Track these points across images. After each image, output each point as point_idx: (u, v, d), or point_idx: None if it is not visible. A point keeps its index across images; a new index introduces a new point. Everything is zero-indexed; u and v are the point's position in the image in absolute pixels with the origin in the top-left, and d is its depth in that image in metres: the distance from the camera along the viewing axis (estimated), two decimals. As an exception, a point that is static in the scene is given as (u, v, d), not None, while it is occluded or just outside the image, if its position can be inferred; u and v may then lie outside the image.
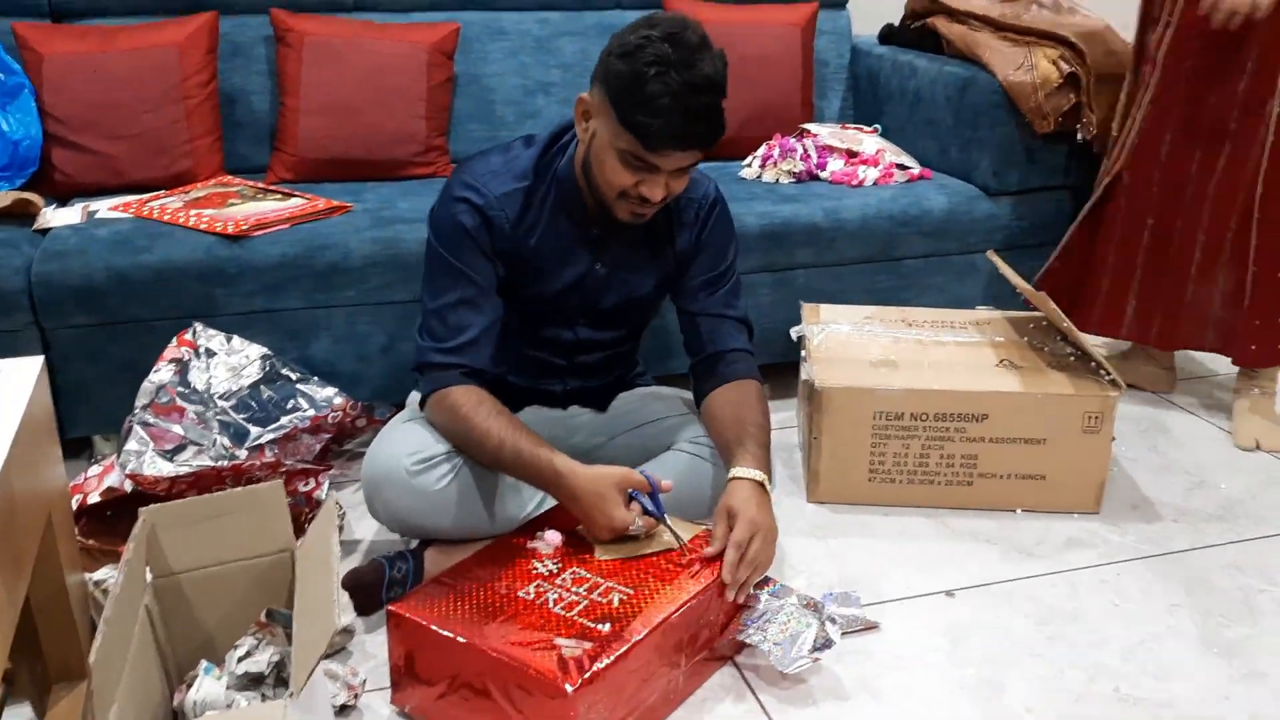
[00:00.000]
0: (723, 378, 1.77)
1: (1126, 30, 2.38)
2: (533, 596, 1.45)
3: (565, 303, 1.75)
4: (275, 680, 1.37)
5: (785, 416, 2.35)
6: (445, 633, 1.36)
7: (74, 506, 1.66)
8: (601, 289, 1.76)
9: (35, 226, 2.08)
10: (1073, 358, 2.04)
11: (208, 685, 1.33)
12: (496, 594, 1.45)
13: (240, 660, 1.36)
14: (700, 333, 1.80)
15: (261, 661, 1.36)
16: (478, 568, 1.52)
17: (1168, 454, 2.22)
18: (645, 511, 1.56)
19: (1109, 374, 1.94)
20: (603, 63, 1.54)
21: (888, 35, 2.90)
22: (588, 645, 1.33)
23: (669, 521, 1.57)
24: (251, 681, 1.35)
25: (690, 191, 1.75)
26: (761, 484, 1.61)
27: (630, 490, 1.56)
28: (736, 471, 1.62)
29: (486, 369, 1.67)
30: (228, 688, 1.34)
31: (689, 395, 1.89)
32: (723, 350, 1.78)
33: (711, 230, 1.78)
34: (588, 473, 1.56)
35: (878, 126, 2.75)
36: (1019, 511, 1.98)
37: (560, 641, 1.34)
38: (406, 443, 1.66)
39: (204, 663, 1.37)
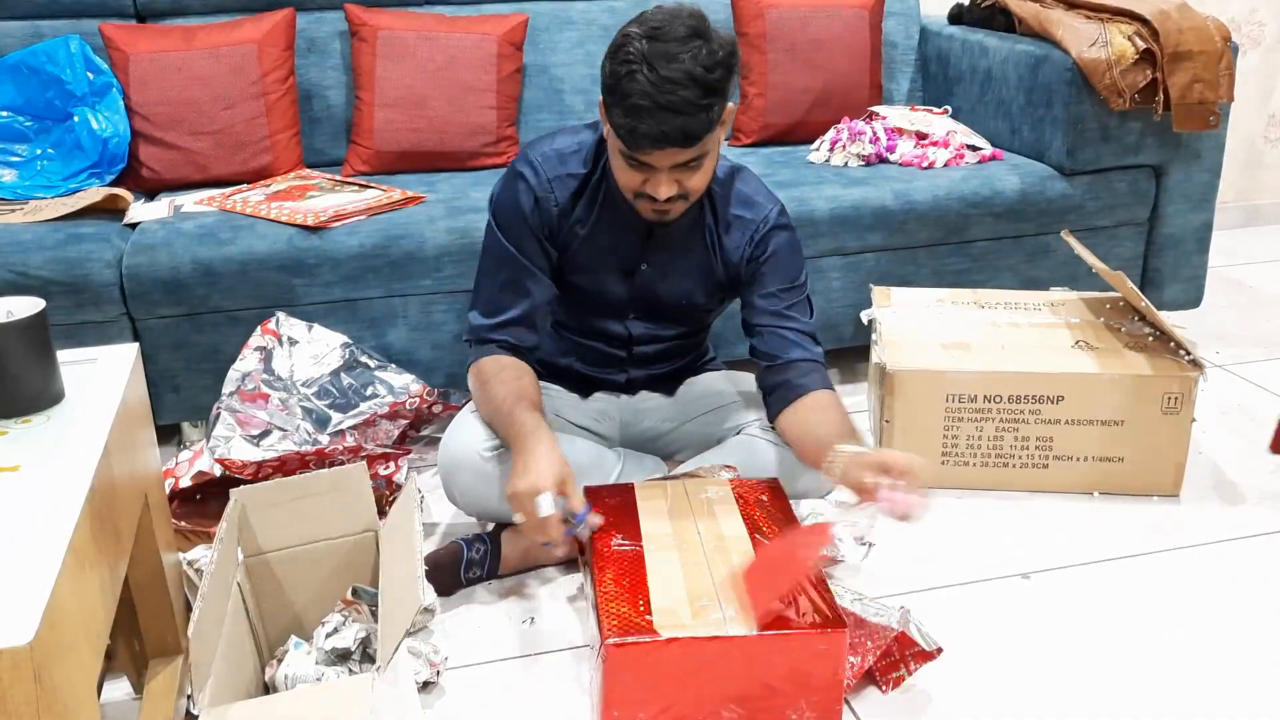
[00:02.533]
0: (797, 390, 1.69)
1: (1201, 5, 2.32)
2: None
3: (613, 296, 1.77)
4: (361, 656, 1.41)
5: (856, 400, 2.35)
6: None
7: (166, 490, 1.72)
8: (649, 289, 1.76)
9: (125, 221, 2.15)
10: (1151, 338, 2.01)
11: (297, 660, 1.37)
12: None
13: (328, 636, 1.40)
14: (769, 342, 1.73)
15: (348, 638, 1.40)
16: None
17: (1251, 435, 2.17)
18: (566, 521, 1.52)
19: (1189, 354, 1.91)
20: (601, 64, 1.55)
21: (957, 15, 2.86)
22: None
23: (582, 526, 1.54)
24: (339, 657, 1.39)
25: (746, 209, 1.72)
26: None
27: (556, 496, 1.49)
28: (843, 447, 1.51)
29: (527, 346, 1.71)
30: (316, 663, 1.38)
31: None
32: (792, 360, 1.71)
33: (771, 255, 1.72)
34: (534, 461, 1.50)
35: (948, 108, 2.73)
36: (1096, 495, 1.96)
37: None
38: (480, 429, 1.69)
39: (293, 638, 1.41)
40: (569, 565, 1.75)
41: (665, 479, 1.73)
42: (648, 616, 1.33)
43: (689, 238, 1.73)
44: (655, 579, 1.42)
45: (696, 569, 1.44)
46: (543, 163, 1.68)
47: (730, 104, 1.54)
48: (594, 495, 1.60)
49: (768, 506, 1.60)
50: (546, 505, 1.48)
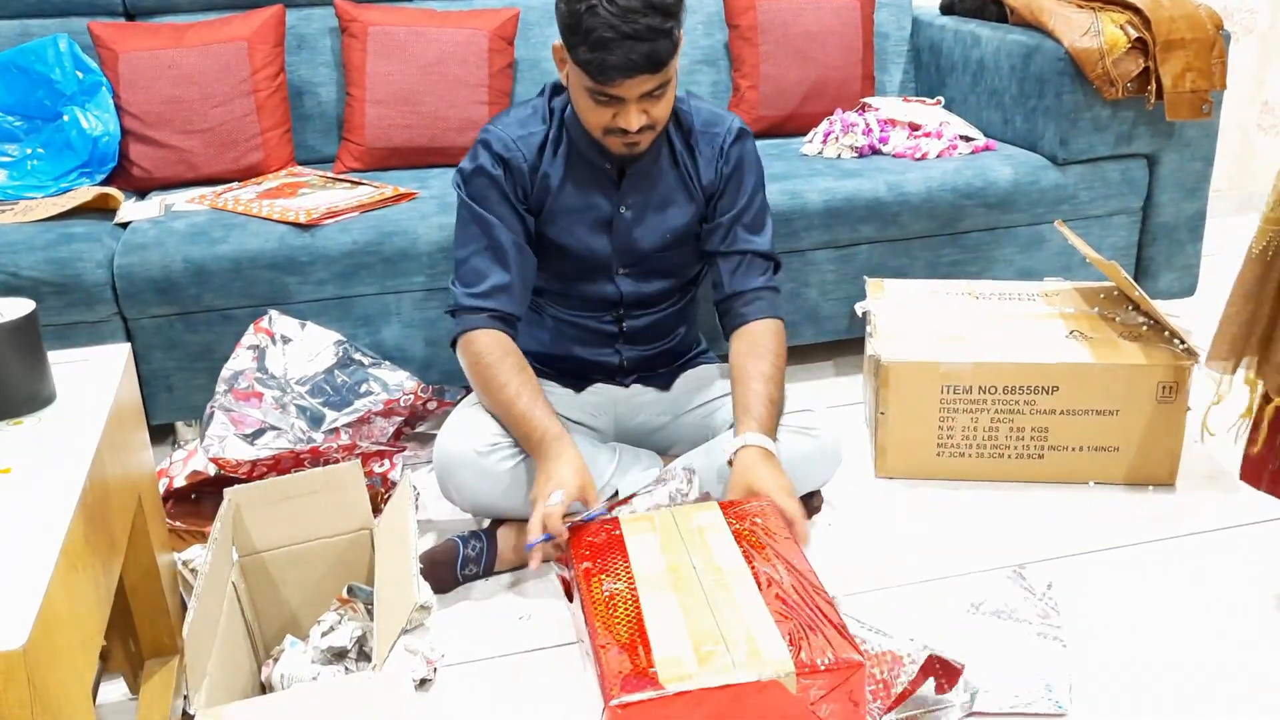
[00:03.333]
0: (741, 318, 1.78)
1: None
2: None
3: (598, 249, 1.77)
4: (358, 654, 1.40)
5: (851, 393, 2.35)
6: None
7: (160, 490, 1.72)
8: (631, 232, 1.77)
9: (116, 220, 2.14)
10: (1145, 327, 2.01)
11: (293, 659, 1.37)
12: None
13: (324, 635, 1.40)
14: (722, 273, 1.80)
15: (344, 636, 1.40)
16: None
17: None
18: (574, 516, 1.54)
19: (1183, 343, 1.91)
20: (555, 7, 1.57)
21: (949, 6, 2.86)
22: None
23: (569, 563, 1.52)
24: (335, 656, 1.39)
25: (710, 124, 1.77)
26: (764, 449, 1.62)
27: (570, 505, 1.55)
28: (740, 440, 1.63)
29: (514, 314, 1.72)
30: (312, 661, 1.38)
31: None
32: (741, 290, 1.78)
33: (735, 162, 1.78)
34: (554, 464, 1.57)
35: (940, 98, 2.72)
36: (1092, 484, 1.96)
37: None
38: (476, 425, 1.69)
39: (289, 637, 1.41)
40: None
41: (650, 510, 1.63)
42: (651, 670, 1.23)
43: (660, 170, 1.76)
44: (654, 623, 1.32)
45: (697, 608, 1.34)
46: (503, 130, 1.71)
47: (680, 30, 1.58)
48: (579, 532, 1.53)
49: (762, 529, 1.50)
50: (556, 497, 1.51)
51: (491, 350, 1.67)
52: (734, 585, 1.38)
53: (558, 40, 1.61)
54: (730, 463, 1.63)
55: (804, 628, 1.29)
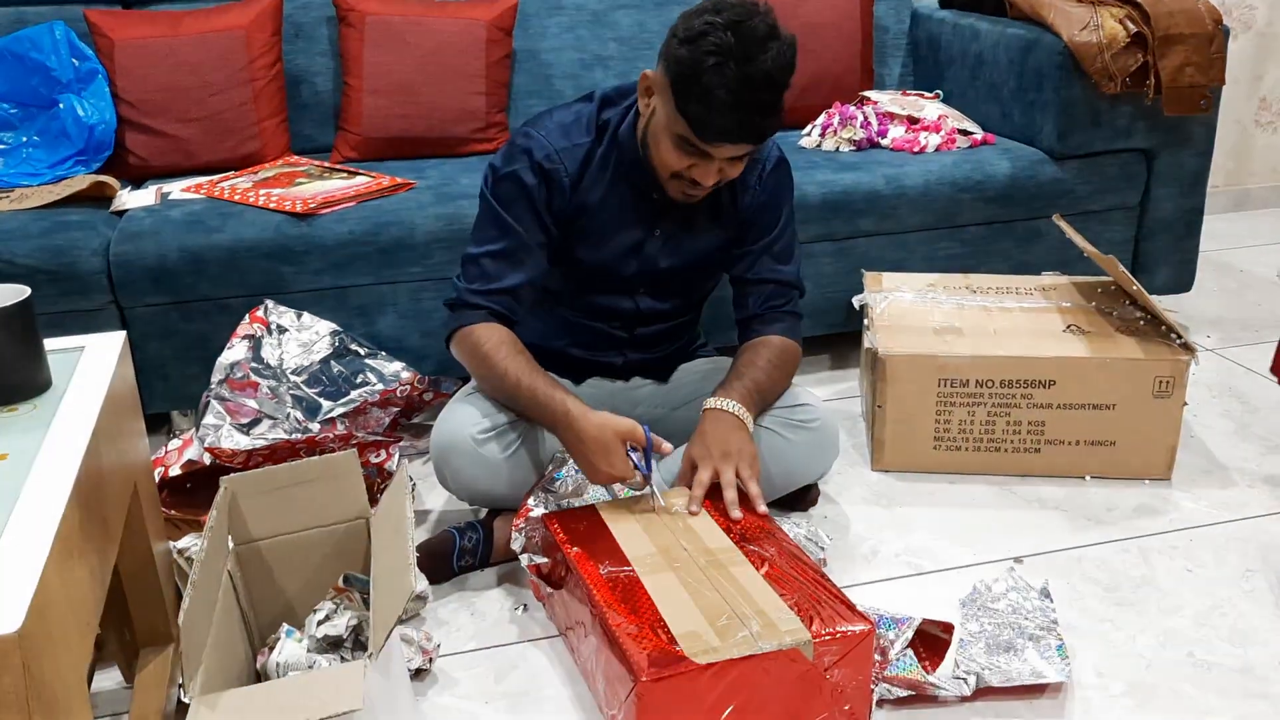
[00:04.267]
0: (756, 334, 1.78)
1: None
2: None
3: (625, 267, 1.75)
4: (353, 643, 1.40)
5: (849, 386, 2.35)
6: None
7: (155, 479, 1.71)
8: (660, 256, 1.76)
9: (112, 209, 2.14)
10: (1142, 322, 2.01)
11: (289, 648, 1.37)
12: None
13: (320, 624, 1.39)
14: (747, 297, 1.81)
15: (340, 625, 1.39)
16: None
17: (1241, 419, 2.18)
18: (635, 467, 1.56)
19: (1180, 338, 1.91)
20: (667, 43, 1.53)
21: (948, -1, 2.86)
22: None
23: (655, 481, 1.57)
24: (330, 644, 1.39)
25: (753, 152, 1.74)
26: (733, 415, 1.63)
27: (628, 444, 1.56)
28: (709, 402, 1.66)
29: (514, 317, 1.70)
30: (308, 650, 1.37)
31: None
32: (762, 313, 1.79)
33: (772, 191, 1.77)
34: (596, 419, 1.56)
35: (939, 92, 2.72)
36: (1088, 478, 1.96)
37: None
38: (472, 413, 1.68)
39: (285, 626, 1.41)
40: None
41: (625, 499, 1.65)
42: (676, 646, 1.26)
43: (703, 201, 1.72)
44: (664, 603, 1.35)
45: (700, 586, 1.38)
46: (546, 137, 1.66)
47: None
48: (557, 520, 1.55)
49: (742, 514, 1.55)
50: (642, 430, 1.57)
51: (489, 338, 1.65)
52: (729, 565, 1.43)
53: (651, 70, 1.58)
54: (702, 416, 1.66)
55: (808, 600, 1.34)
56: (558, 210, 1.68)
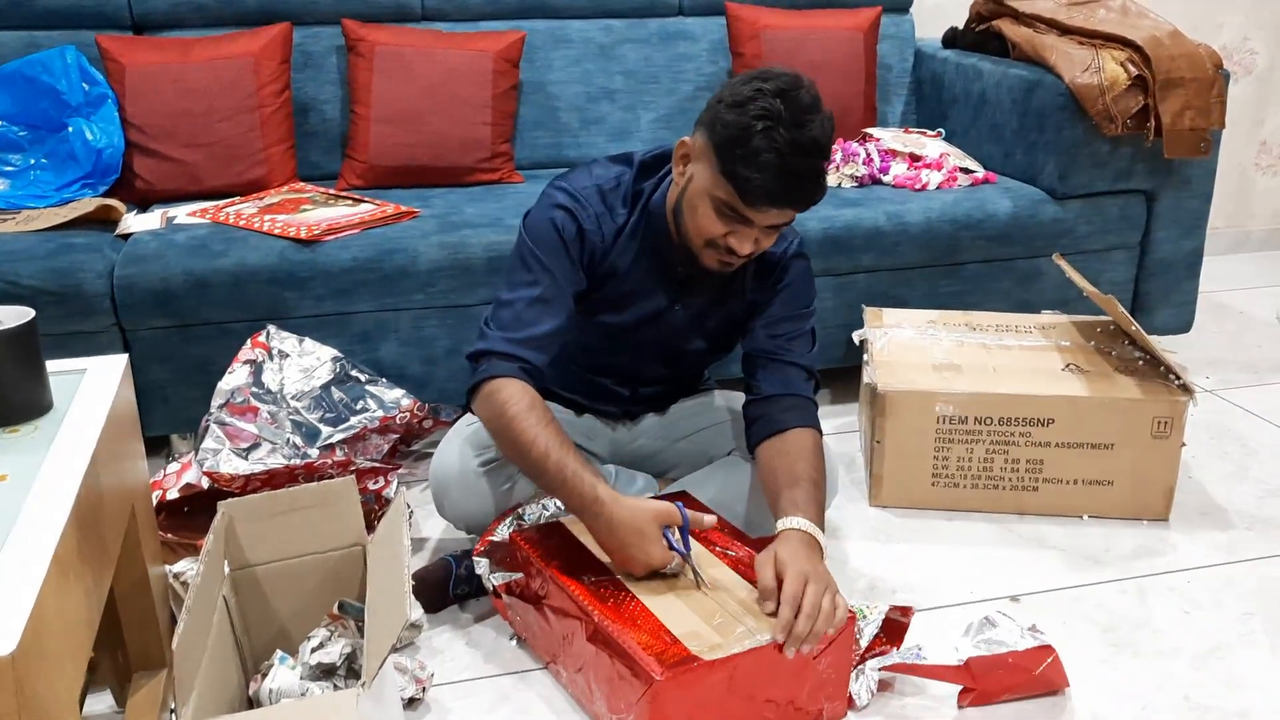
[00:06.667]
0: (777, 424, 1.65)
1: (1193, 32, 2.34)
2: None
3: (641, 336, 1.74)
4: (347, 671, 1.40)
5: (847, 421, 2.35)
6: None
7: (153, 502, 1.71)
8: (677, 329, 1.74)
9: (117, 232, 2.15)
10: (1141, 362, 2.01)
11: (282, 675, 1.36)
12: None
13: (313, 651, 1.39)
14: (759, 374, 1.71)
15: (334, 653, 1.39)
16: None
17: (1240, 461, 2.18)
18: (671, 547, 1.46)
19: (1179, 378, 1.91)
20: (710, 109, 1.52)
21: (951, 39, 2.88)
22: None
23: (693, 561, 1.47)
24: (324, 672, 1.38)
25: (773, 244, 1.68)
26: (812, 536, 1.48)
27: (664, 527, 1.47)
28: (784, 523, 1.49)
29: (544, 370, 1.63)
30: (301, 677, 1.37)
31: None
32: (777, 394, 1.68)
33: (789, 282, 1.72)
34: (629, 504, 1.46)
35: (941, 130, 2.74)
36: (1085, 518, 1.96)
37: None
38: (472, 444, 1.68)
39: (279, 653, 1.40)
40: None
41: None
42: (680, 645, 1.32)
43: (723, 279, 1.69)
44: (656, 607, 1.39)
45: (686, 589, 1.43)
46: (586, 196, 1.64)
47: None
48: (524, 538, 1.55)
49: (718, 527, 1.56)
50: (680, 513, 1.47)
51: (518, 399, 1.54)
52: (707, 568, 1.48)
53: (690, 137, 1.55)
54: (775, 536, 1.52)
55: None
56: (588, 266, 1.66)
